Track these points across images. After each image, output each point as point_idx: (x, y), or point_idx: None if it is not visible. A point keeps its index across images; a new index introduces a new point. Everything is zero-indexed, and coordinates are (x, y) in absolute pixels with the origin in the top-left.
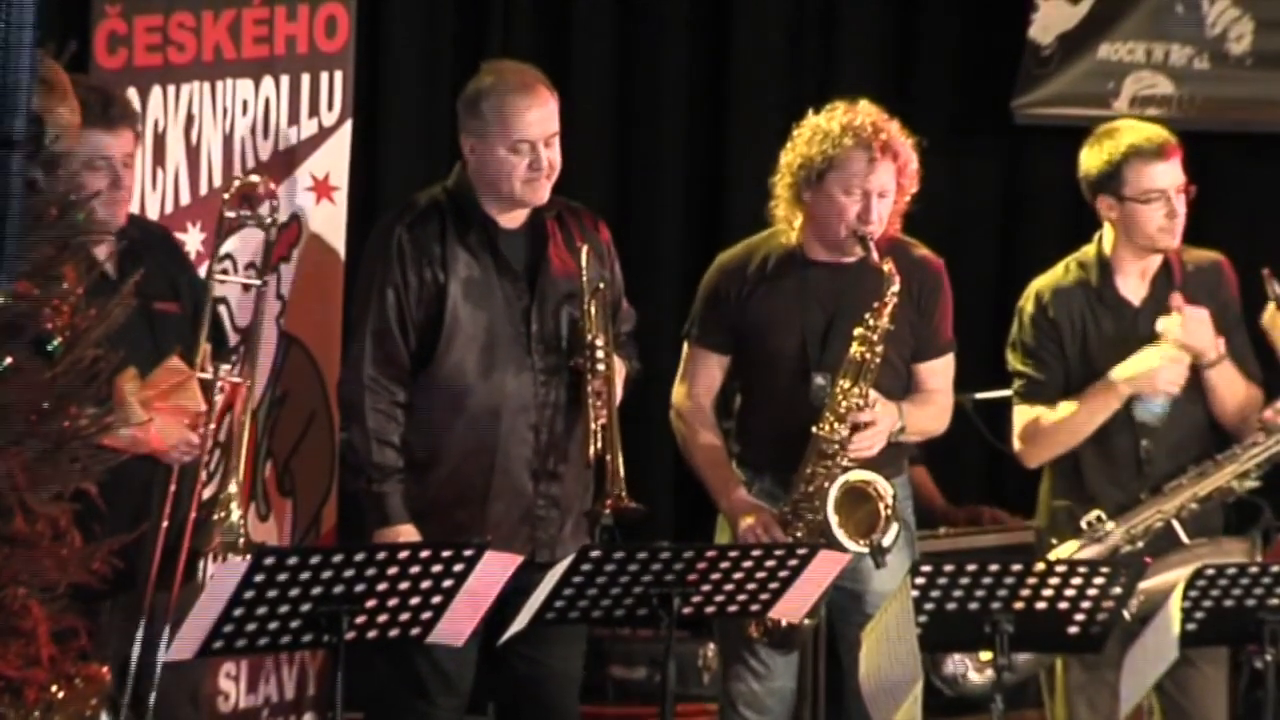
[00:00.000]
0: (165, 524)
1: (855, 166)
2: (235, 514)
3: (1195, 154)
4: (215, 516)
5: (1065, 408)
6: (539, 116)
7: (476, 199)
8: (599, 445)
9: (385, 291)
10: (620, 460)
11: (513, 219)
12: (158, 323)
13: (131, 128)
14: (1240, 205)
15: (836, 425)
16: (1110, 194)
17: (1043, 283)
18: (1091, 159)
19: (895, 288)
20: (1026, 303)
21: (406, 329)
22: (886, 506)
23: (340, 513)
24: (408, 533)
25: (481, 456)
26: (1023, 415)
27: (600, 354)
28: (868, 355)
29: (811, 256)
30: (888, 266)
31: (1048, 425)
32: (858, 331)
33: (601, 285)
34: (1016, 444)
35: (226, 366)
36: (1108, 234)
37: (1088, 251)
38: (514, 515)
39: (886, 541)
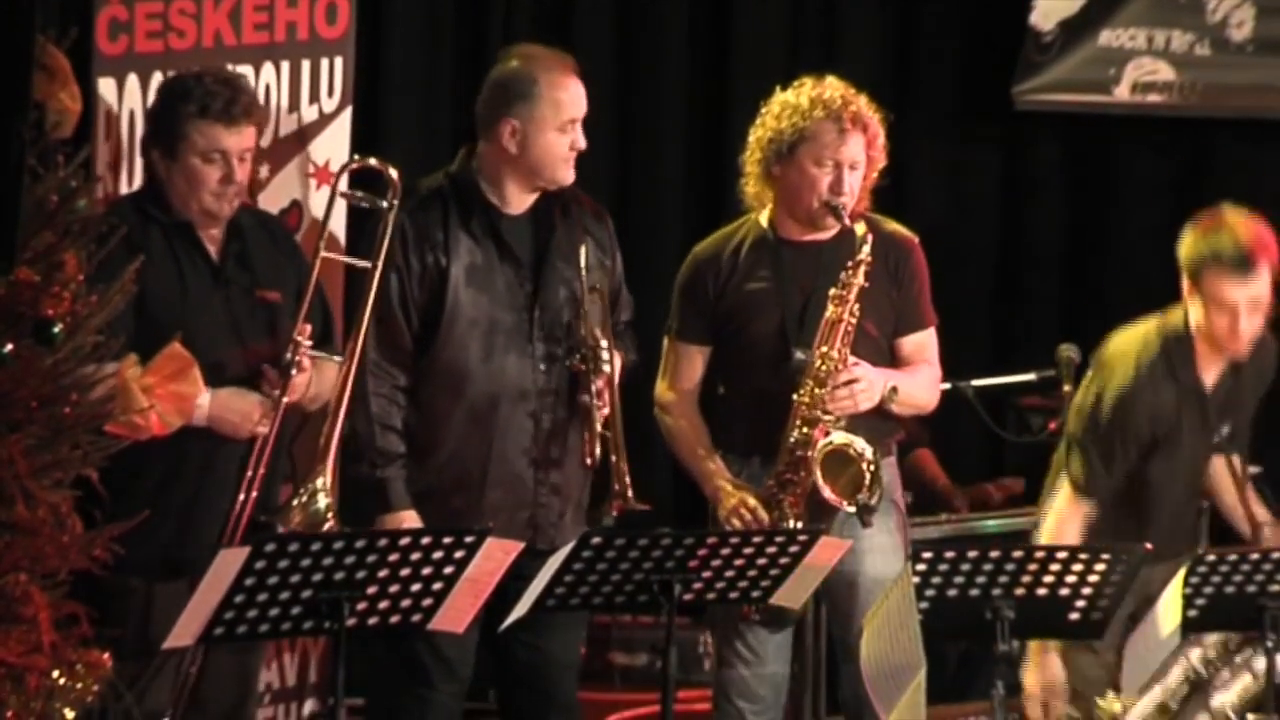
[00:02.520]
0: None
1: (826, 138)
2: (323, 501)
3: (1196, 141)
4: (297, 500)
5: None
6: (582, 96)
7: (479, 185)
8: (602, 446)
9: (388, 275)
10: (625, 462)
11: (520, 205)
12: (259, 310)
13: (254, 123)
14: (1242, 193)
15: (816, 390)
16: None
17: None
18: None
19: (868, 246)
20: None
21: (409, 313)
22: (869, 464)
23: (341, 499)
24: (410, 519)
25: (480, 443)
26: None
27: (604, 354)
28: (844, 314)
29: (784, 235)
30: (859, 226)
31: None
32: (832, 292)
33: (598, 285)
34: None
35: (307, 344)
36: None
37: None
38: (512, 502)
39: (873, 500)
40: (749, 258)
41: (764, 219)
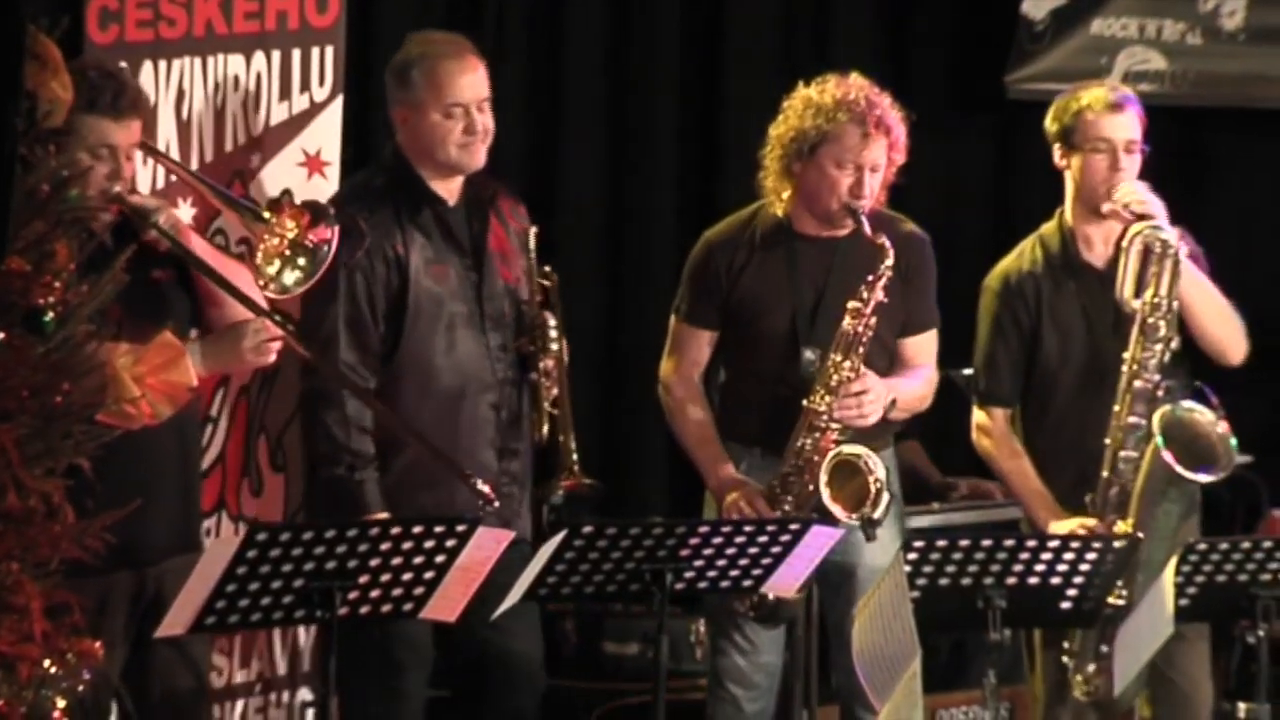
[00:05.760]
0: None
1: (849, 141)
2: None
3: (1188, 130)
4: None
5: (1015, 462)
6: (471, 80)
7: (421, 178)
8: (550, 424)
9: (354, 278)
10: (572, 439)
11: (451, 195)
12: (152, 292)
13: (140, 118)
14: (1233, 182)
15: (828, 398)
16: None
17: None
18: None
19: (890, 261)
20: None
21: (375, 313)
22: (877, 480)
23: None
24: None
25: (448, 439)
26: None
27: (552, 333)
28: (860, 329)
29: (800, 229)
30: (882, 240)
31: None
32: (851, 305)
33: (548, 268)
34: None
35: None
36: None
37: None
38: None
39: (877, 514)
40: (763, 248)
41: (780, 210)
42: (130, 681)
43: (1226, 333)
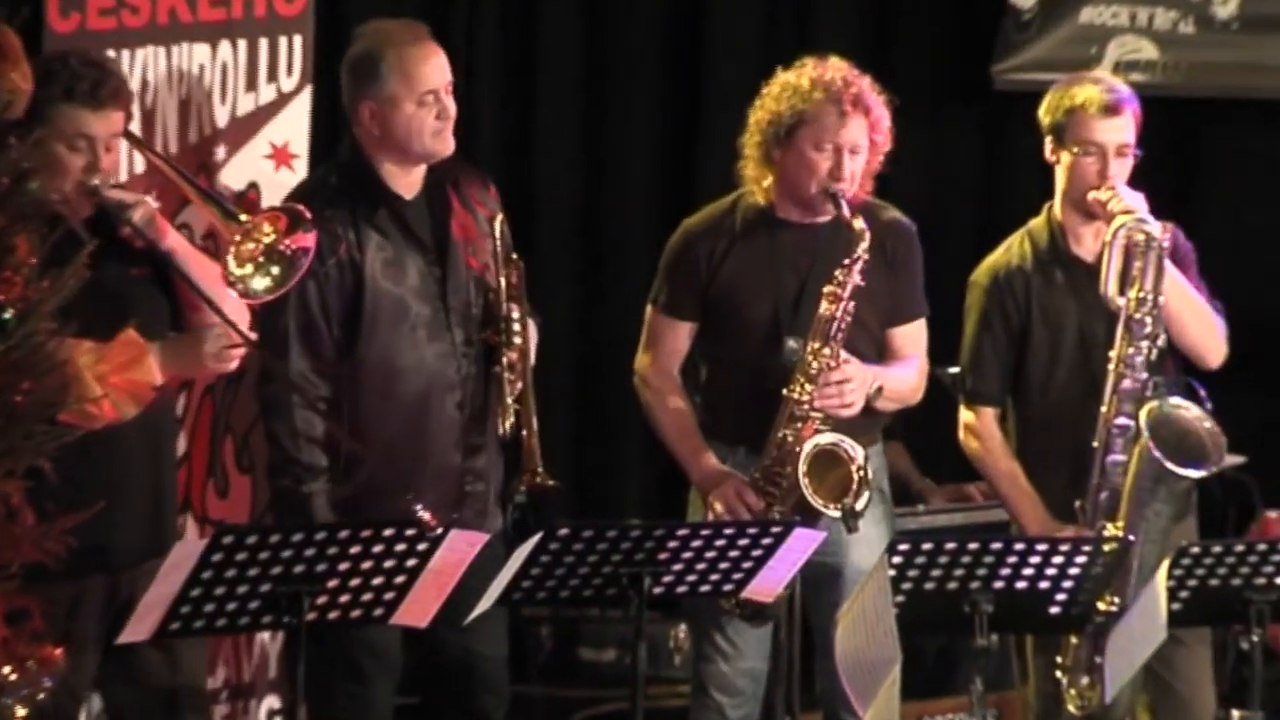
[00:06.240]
0: None
1: (826, 121)
2: None
3: (1180, 122)
4: None
5: (1007, 464)
6: (438, 65)
7: (378, 173)
8: (513, 419)
9: (305, 282)
10: (535, 436)
11: (410, 187)
12: (137, 286)
13: (121, 109)
14: (1227, 174)
15: (807, 387)
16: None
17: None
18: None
19: (866, 243)
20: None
21: (329, 317)
22: (858, 468)
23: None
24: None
25: (413, 442)
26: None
27: (515, 325)
28: (838, 313)
29: (782, 217)
30: (858, 222)
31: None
32: (827, 289)
33: (515, 256)
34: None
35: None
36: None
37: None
38: (447, 497)
39: (859, 505)
40: (744, 236)
41: (761, 197)
42: (115, 686)
43: (1204, 337)
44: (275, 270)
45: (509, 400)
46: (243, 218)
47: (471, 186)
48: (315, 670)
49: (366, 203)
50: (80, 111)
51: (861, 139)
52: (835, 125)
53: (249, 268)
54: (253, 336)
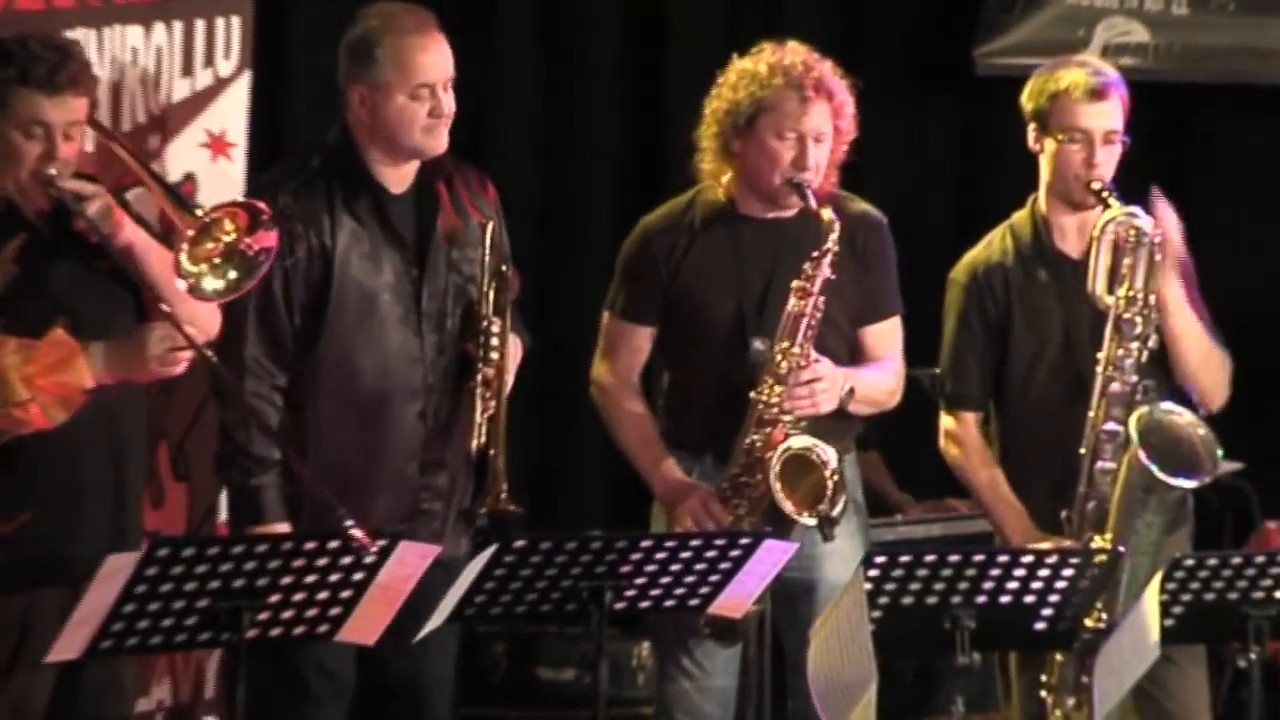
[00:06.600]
0: None
1: (787, 108)
2: None
3: (1173, 109)
4: None
5: (988, 472)
6: (438, 58)
7: (364, 161)
8: (483, 439)
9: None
10: (503, 457)
11: (400, 181)
12: (98, 279)
13: (83, 95)
14: (1222, 162)
15: (776, 388)
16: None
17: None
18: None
19: (836, 234)
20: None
21: (291, 305)
22: (832, 473)
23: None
24: (283, 533)
25: (368, 446)
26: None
27: (494, 340)
28: (808, 309)
29: (744, 212)
30: (827, 212)
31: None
32: (796, 284)
33: (504, 269)
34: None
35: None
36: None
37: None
38: (398, 511)
39: (835, 512)
40: (705, 233)
41: (721, 192)
42: (57, 704)
43: (1204, 371)
44: (232, 273)
45: (479, 418)
46: (198, 211)
47: (468, 189)
48: (260, 690)
49: (347, 188)
50: (36, 96)
51: (825, 126)
52: (797, 112)
53: (203, 266)
54: (200, 339)
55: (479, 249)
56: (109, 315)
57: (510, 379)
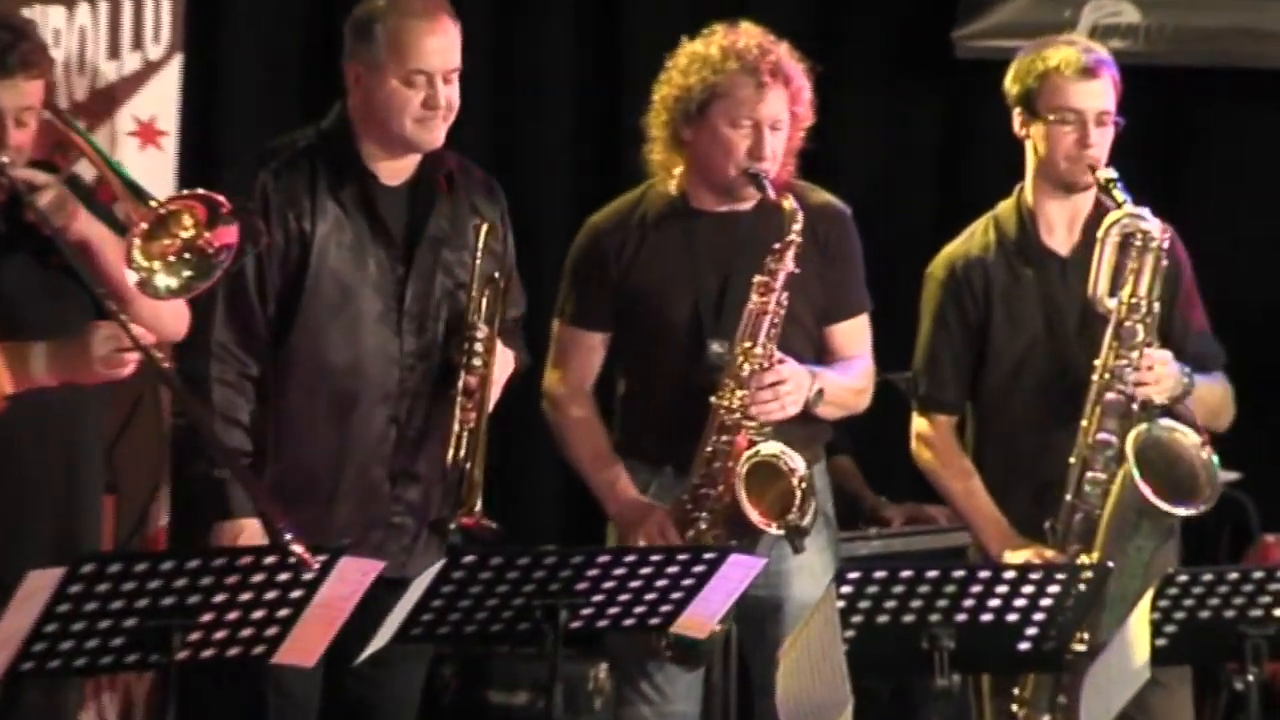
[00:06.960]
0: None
1: (742, 94)
2: None
3: (1165, 94)
4: None
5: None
6: (440, 46)
7: (358, 148)
8: (461, 451)
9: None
10: (480, 471)
11: (396, 173)
12: (52, 275)
13: (37, 78)
14: (1216, 149)
15: (738, 392)
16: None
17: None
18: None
19: (799, 225)
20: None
21: (265, 292)
22: (800, 480)
23: (174, 509)
24: (252, 528)
25: (334, 448)
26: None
27: (480, 348)
28: (770, 306)
29: (697, 205)
30: (788, 201)
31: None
32: (757, 279)
33: (496, 275)
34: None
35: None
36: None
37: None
38: (362, 520)
39: (805, 522)
40: (657, 230)
41: (673, 186)
42: None
43: (1220, 421)
44: (187, 272)
45: (457, 427)
46: (153, 203)
47: (472, 190)
48: (216, 712)
49: (334, 172)
50: None
51: (782, 112)
52: (753, 98)
53: (156, 263)
54: (149, 340)
55: (471, 251)
56: (61, 314)
57: (496, 392)
